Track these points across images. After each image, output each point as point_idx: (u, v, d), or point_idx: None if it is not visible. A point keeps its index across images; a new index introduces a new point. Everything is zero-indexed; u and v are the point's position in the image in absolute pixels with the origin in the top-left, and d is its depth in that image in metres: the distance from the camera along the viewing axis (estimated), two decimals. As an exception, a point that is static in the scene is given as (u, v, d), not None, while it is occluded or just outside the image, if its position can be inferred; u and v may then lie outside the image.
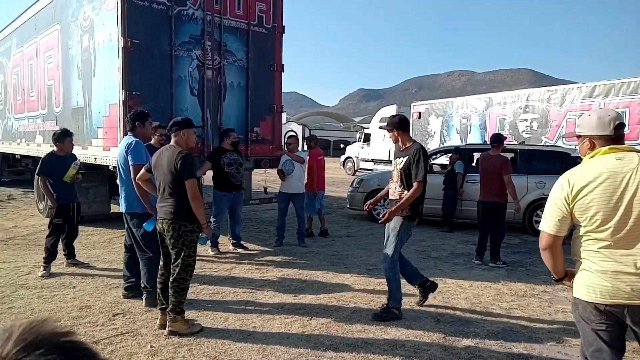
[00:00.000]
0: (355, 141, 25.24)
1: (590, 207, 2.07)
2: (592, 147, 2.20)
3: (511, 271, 6.07)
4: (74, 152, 5.97)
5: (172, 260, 3.78)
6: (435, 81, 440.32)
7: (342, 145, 31.83)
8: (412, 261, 6.37)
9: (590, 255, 2.13)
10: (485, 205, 6.45)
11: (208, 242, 6.49)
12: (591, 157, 2.17)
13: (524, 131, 14.41)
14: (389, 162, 20.52)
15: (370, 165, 21.99)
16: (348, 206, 10.22)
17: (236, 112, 7.50)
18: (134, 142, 4.44)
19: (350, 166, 24.37)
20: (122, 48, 6.26)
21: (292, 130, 7.95)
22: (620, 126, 2.16)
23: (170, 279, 3.76)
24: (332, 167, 29.06)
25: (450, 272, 5.94)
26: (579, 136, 2.29)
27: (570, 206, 2.12)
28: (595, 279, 2.11)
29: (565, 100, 13.04)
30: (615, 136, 2.15)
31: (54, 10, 8.64)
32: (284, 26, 7.88)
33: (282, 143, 8.08)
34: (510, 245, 7.51)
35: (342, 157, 25.90)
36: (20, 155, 11.58)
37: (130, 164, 4.31)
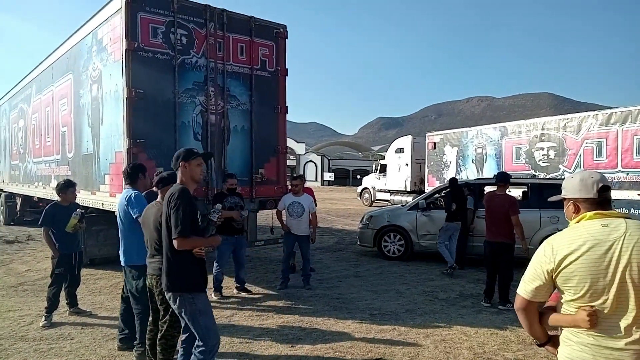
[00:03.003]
0: (372, 172, 25.07)
1: (573, 276, 1.97)
2: (577, 211, 2.12)
3: (521, 315, 5.82)
4: (81, 198, 6.07)
5: (161, 317, 3.75)
6: (455, 107, 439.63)
7: (358, 177, 31.71)
8: (418, 304, 6.27)
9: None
10: (493, 246, 6.28)
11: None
12: (577, 222, 2.09)
13: (540, 160, 14.16)
14: (405, 192, 20.27)
15: (387, 196, 21.77)
16: (359, 243, 10.12)
17: (240, 154, 7.58)
18: (133, 195, 4.47)
19: (367, 197, 24.17)
20: (126, 98, 6.45)
21: (298, 174, 7.91)
22: (604, 189, 2.07)
23: (158, 336, 3.72)
24: (349, 198, 28.92)
25: (456, 316, 5.74)
26: (564, 199, 2.21)
27: (553, 275, 2.03)
28: (576, 351, 2.01)
29: (582, 128, 12.80)
30: (600, 199, 2.07)
31: (67, 61, 9.00)
32: (287, 69, 8.01)
33: (288, 184, 8.09)
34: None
35: (359, 188, 25.74)
36: (38, 197, 11.90)
37: (136, 217, 4.30)
